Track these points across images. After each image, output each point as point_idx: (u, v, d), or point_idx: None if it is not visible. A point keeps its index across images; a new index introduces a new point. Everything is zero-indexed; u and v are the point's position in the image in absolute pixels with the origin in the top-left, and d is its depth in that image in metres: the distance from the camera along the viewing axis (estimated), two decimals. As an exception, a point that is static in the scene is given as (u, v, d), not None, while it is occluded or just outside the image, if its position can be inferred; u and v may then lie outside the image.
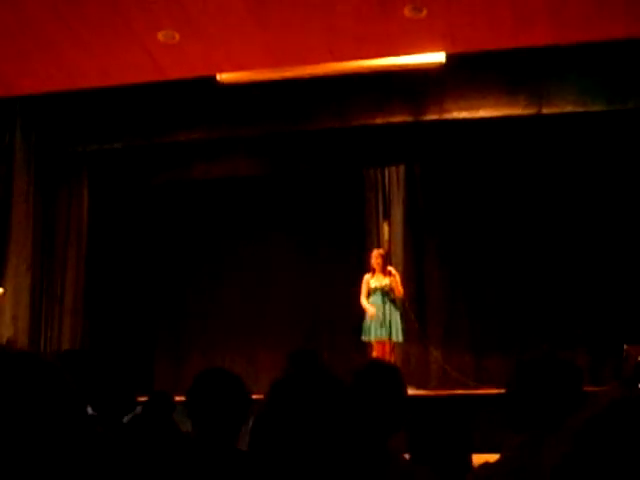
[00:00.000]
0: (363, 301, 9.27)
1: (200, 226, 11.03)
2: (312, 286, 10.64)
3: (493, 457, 2.35)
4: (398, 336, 9.23)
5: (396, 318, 9.21)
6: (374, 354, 9.05)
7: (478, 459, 2.54)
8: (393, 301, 9.23)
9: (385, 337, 9.10)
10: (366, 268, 10.13)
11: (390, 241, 10.44)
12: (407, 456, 2.88)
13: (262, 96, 8.95)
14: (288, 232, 10.76)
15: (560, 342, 9.04)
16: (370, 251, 9.79)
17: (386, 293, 9.20)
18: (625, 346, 8.08)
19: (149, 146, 9.69)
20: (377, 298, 9.22)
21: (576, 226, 9.83)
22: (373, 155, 10.08)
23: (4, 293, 8.81)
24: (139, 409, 4.41)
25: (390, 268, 9.32)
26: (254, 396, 2.96)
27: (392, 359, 8.90)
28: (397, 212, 10.58)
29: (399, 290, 9.26)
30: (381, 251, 9.56)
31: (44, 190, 9.59)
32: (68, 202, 9.90)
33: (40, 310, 9.46)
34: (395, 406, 2.71)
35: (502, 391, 2.48)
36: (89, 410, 3.17)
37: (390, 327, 9.09)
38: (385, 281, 9.22)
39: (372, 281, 9.31)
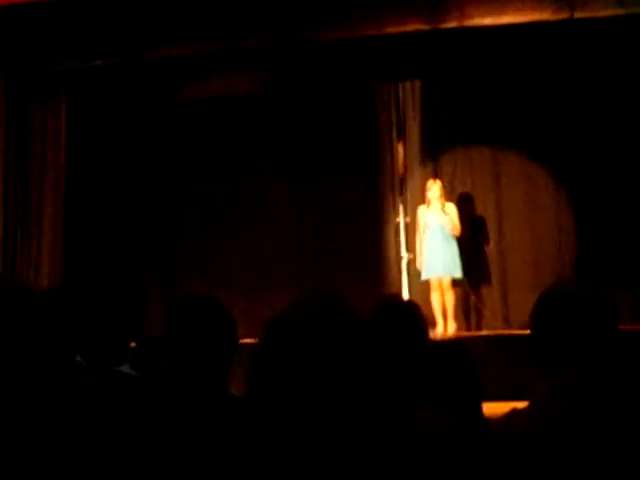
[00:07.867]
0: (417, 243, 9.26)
1: (194, 151, 10.42)
2: (318, 213, 10.22)
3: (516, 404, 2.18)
4: (457, 272, 9.06)
5: (454, 254, 9.02)
6: (432, 293, 9.00)
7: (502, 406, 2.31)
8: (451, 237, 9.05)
9: (446, 275, 8.99)
10: (377, 193, 10.03)
11: (405, 164, 10.05)
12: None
13: (262, 4, 8.35)
14: (291, 155, 10.19)
15: (598, 278, 8.57)
16: (382, 174, 9.79)
17: (442, 230, 8.99)
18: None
19: (134, 63, 9.08)
20: (434, 235, 9.00)
21: (612, 147, 9.28)
22: (385, 69, 9.49)
23: None
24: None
25: (447, 204, 9.07)
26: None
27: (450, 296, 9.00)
28: (413, 132, 10.14)
29: (455, 229, 9.04)
30: (438, 182, 9.20)
31: (17, 113, 9.01)
32: (43, 126, 9.31)
33: (15, 244, 8.99)
34: (414, 348, 2.66)
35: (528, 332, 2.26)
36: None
37: (453, 263, 8.99)
38: (443, 218, 8.97)
39: (429, 216, 9.04)
